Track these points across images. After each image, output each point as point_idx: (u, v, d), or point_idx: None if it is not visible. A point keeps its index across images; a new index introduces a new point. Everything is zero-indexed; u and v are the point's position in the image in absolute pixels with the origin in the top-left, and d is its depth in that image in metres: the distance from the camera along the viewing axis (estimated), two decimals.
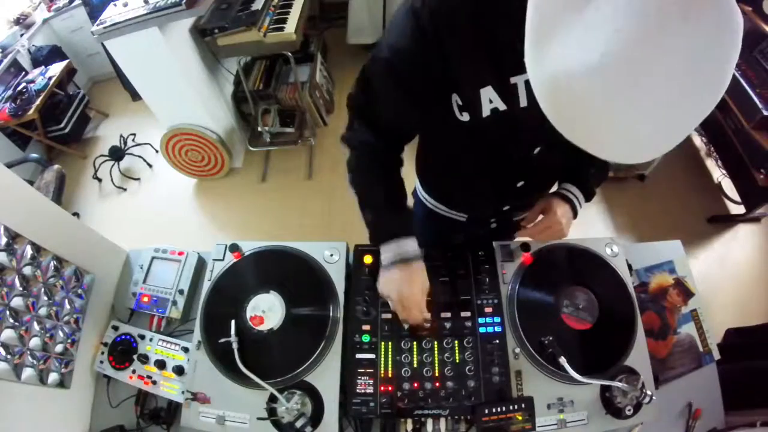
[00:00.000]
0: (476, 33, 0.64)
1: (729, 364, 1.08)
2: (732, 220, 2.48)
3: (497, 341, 0.92)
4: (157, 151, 3.10)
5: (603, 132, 0.45)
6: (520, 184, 0.93)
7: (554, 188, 1.00)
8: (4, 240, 0.85)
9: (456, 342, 0.91)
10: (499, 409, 0.84)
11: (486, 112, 0.71)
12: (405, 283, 0.82)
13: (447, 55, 0.67)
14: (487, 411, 0.84)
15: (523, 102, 0.68)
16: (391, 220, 0.86)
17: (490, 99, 0.70)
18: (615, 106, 0.41)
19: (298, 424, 0.83)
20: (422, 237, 0.93)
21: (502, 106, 0.70)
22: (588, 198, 0.96)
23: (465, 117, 0.74)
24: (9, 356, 0.83)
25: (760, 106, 2.05)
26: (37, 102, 2.92)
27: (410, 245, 0.84)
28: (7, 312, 0.84)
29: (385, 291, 0.86)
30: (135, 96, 3.38)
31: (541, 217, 0.95)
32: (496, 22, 0.62)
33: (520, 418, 0.84)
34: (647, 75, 0.39)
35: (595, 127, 0.45)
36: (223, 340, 0.91)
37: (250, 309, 0.96)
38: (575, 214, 0.94)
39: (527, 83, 0.66)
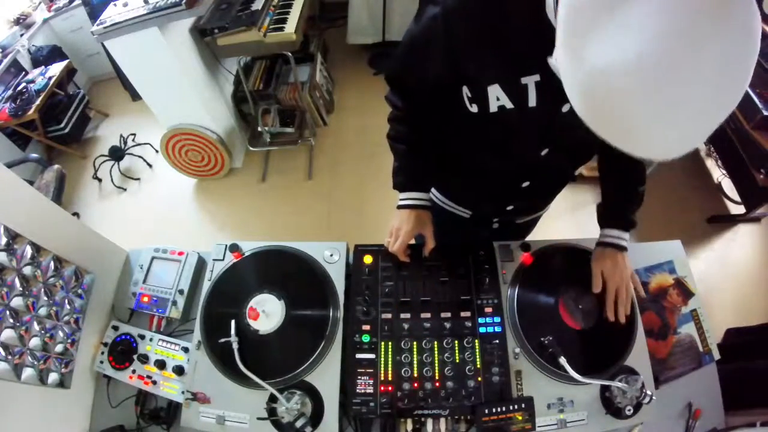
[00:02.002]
0: (486, 34, 0.67)
1: (729, 364, 1.08)
2: (732, 220, 2.47)
3: (497, 341, 0.92)
4: (157, 151, 3.10)
5: (638, 130, 0.45)
6: (525, 184, 0.94)
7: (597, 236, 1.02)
8: (4, 240, 0.85)
9: (456, 342, 0.91)
10: (499, 409, 0.84)
11: (493, 108, 0.73)
12: (404, 221, 0.96)
13: (456, 52, 0.70)
14: (487, 411, 0.84)
15: (532, 102, 0.70)
16: (407, 173, 0.98)
17: (497, 96, 0.72)
18: (650, 104, 0.42)
19: (298, 424, 0.83)
20: None
21: (509, 105, 0.72)
22: (629, 228, 0.98)
23: (474, 108, 0.77)
24: (9, 356, 0.83)
25: (760, 106, 2.05)
26: (37, 102, 2.92)
27: (417, 196, 0.97)
28: (7, 312, 0.84)
29: (391, 222, 0.99)
30: (135, 96, 3.38)
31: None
32: (506, 25, 0.64)
33: (520, 418, 0.84)
34: (682, 72, 0.40)
35: (629, 125, 0.46)
36: (223, 340, 0.91)
37: (249, 316, 0.96)
38: (625, 250, 0.96)
39: (537, 84, 0.67)
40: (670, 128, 0.44)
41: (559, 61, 0.49)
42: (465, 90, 0.76)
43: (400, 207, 0.98)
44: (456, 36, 0.69)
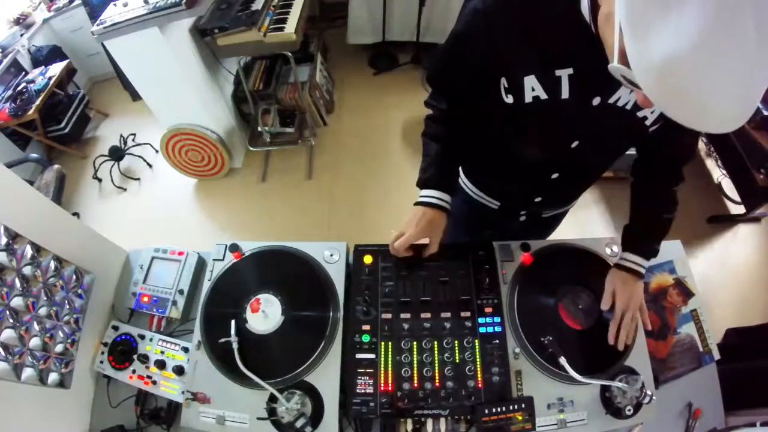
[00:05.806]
0: (525, 30, 0.72)
1: (729, 364, 1.08)
2: (732, 220, 2.47)
3: (497, 341, 0.92)
4: (157, 151, 3.10)
5: (706, 105, 0.49)
6: (554, 176, 0.97)
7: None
8: (4, 240, 0.85)
9: (456, 342, 0.91)
10: (499, 409, 0.84)
11: (528, 98, 0.77)
12: (416, 219, 0.94)
13: (497, 43, 0.75)
14: (487, 411, 0.84)
15: (565, 94, 0.74)
16: (435, 171, 0.97)
17: (532, 87, 0.76)
18: (717, 77, 0.47)
19: (298, 424, 0.83)
20: (455, 222, 1.03)
21: (543, 96, 0.76)
22: (650, 257, 0.97)
23: (509, 99, 0.81)
24: (9, 356, 0.83)
25: (760, 106, 2.05)
26: (37, 102, 2.91)
27: (439, 195, 0.95)
28: (7, 312, 0.84)
29: (407, 217, 0.97)
30: (135, 96, 3.38)
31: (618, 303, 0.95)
32: (544, 22, 0.70)
33: (520, 418, 0.84)
34: (737, 39, 0.45)
35: (699, 102, 0.49)
36: (223, 340, 0.91)
37: (251, 307, 0.96)
38: (641, 277, 0.95)
39: (570, 77, 0.73)
40: (732, 97, 0.48)
41: (631, 58, 0.52)
42: (503, 81, 0.80)
43: (418, 204, 0.97)
44: (496, 29, 0.73)
